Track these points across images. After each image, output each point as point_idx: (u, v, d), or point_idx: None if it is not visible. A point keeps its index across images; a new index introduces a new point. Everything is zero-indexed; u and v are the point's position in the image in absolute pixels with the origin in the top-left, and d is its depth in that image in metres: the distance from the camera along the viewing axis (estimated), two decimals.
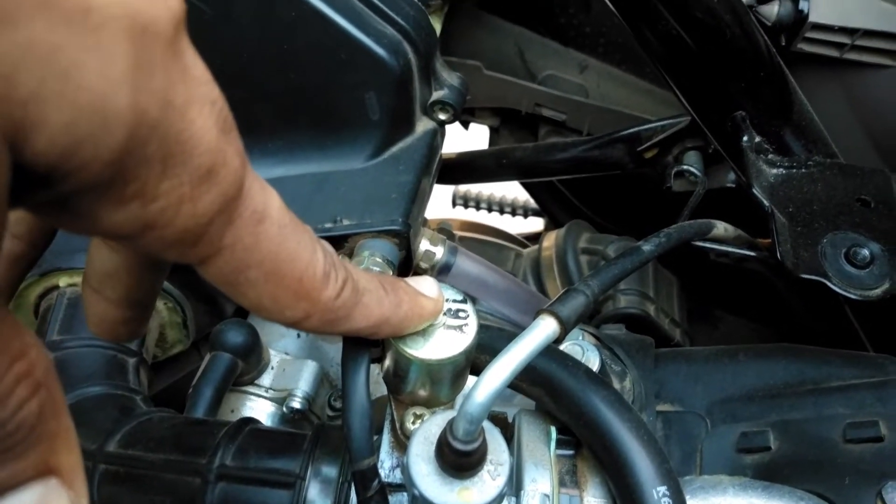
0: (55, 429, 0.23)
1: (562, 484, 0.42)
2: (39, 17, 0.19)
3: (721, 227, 0.54)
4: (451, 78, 0.55)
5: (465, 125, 0.90)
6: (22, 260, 0.32)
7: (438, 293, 0.36)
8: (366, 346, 0.36)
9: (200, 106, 0.23)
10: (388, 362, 0.37)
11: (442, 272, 0.57)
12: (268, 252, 0.27)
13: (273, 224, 0.27)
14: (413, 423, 0.39)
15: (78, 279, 0.56)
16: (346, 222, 0.48)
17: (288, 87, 0.51)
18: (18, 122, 0.19)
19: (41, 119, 0.20)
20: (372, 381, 0.38)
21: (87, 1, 0.20)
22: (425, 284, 0.35)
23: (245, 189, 0.26)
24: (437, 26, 0.57)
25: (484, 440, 0.35)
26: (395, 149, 0.53)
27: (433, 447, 0.35)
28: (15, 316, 0.23)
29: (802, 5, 0.59)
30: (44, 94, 0.19)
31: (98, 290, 0.33)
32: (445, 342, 0.36)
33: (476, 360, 0.42)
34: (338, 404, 0.64)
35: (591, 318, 0.67)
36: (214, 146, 0.24)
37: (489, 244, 0.82)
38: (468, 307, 0.37)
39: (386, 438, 0.42)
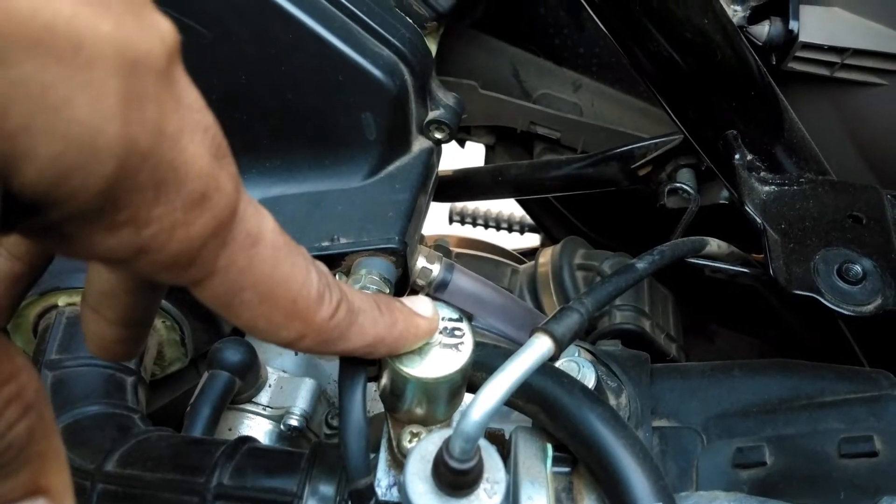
0: (45, 450, 0.23)
1: (558, 501, 0.42)
2: (31, 55, 0.19)
3: (714, 244, 0.54)
4: (446, 98, 0.56)
5: (461, 143, 0.91)
6: (21, 280, 0.33)
7: (433, 312, 0.36)
8: (362, 364, 0.37)
9: (192, 133, 0.24)
10: (384, 381, 0.38)
11: (438, 289, 0.57)
12: (262, 274, 0.27)
13: (267, 246, 0.27)
14: (410, 441, 0.39)
15: (77, 298, 0.56)
16: (343, 240, 0.48)
17: (285, 108, 0.51)
18: (7, 154, 0.20)
19: (30, 151, 0.20)
20: (369, 399, 0.38)
21: (78, 38, 0.20)
22: (420, 304, 0.35)
23: (239, 212, 0.26)
24: (433, 47, 0.58)
25: (480, 458, 0.35)
26: (391, 168, 0.53)
27: (430, 465, 0.36)
28: (9, 338, 0.23)
29: (792, 25, 0.60)
30: (34, 128, 0.20)
31: (96, 309, 0.33)
32: (441, 360, 0.36)
33: (472, 377, 0.42)
34: (335, 422, 0.64)
35: (587, 334, 0.68)
36: (207, 172, 0.24)
37: (485, 260, 0.82)
38: (464, 325, 0.37)
39: (383, 457, 0.42)
